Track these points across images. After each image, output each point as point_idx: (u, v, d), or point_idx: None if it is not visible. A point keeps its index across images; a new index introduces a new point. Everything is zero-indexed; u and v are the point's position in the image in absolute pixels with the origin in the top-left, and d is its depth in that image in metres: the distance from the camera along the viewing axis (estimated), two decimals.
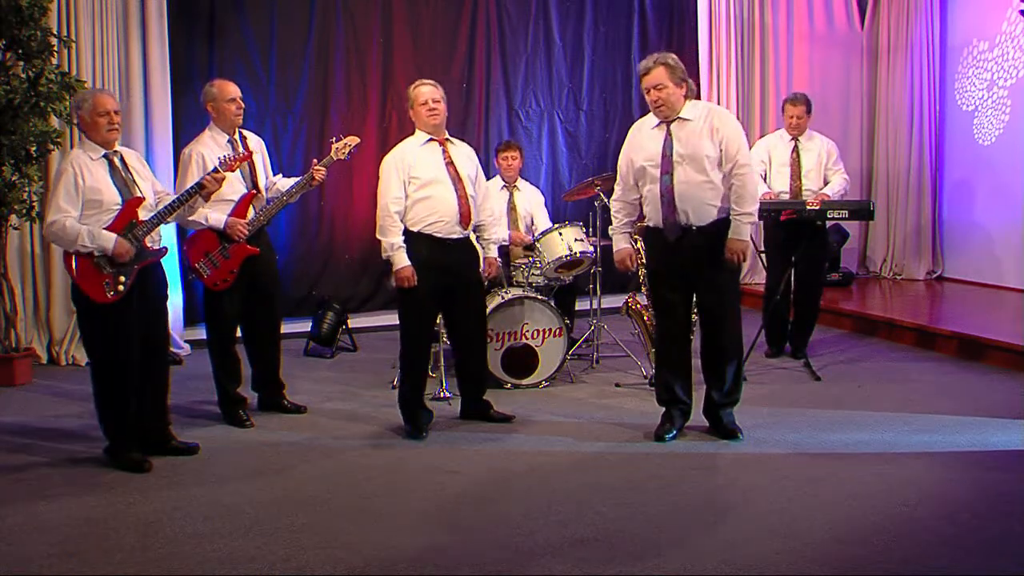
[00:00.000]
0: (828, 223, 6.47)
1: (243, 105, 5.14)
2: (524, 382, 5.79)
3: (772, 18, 8.85)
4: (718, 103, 8.48)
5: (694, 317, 5.00)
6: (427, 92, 4.90)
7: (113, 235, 4.25)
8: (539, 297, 5.83)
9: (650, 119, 4.77)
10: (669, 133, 4.62)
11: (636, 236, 5.56)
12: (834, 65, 9.22)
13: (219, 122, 5.08)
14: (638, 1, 8.53)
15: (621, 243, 4.93)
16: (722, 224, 4.61)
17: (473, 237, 5.11)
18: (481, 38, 8.02)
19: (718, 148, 4.56)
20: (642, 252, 5.45)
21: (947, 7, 9.11)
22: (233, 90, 5.08)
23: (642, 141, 4.73)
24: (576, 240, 5.97)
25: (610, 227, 5.00)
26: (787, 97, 6.70)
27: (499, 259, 5.39)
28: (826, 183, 6.46)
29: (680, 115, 4.62)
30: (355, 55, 7.63)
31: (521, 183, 6.71)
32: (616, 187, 4.91)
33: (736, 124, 4.70)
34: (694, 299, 4.84)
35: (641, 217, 4.91)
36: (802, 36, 9.05)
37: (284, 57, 7.43)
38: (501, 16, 8.08)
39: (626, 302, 5.97)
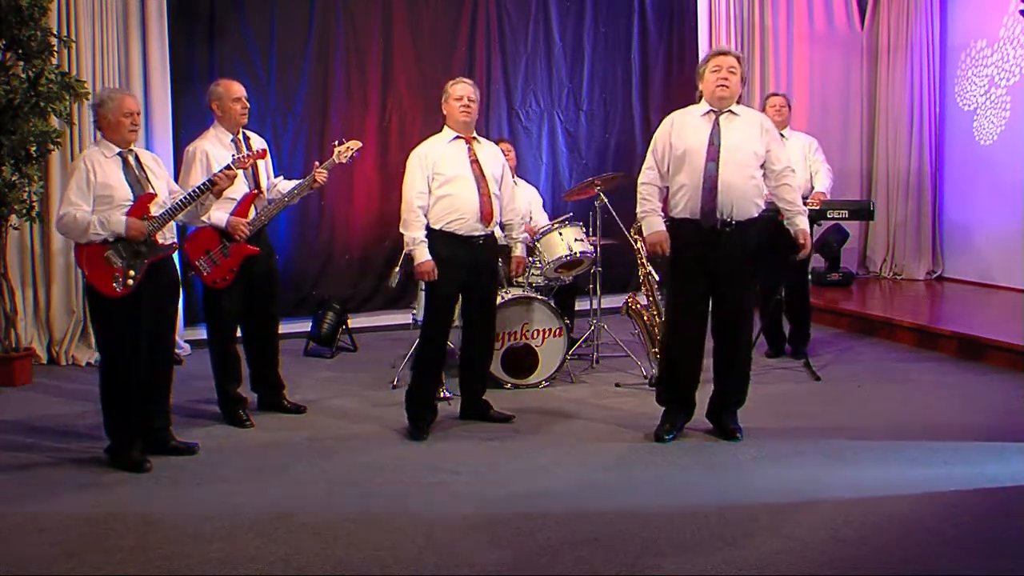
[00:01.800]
0: (827, 223, 6.48)
1: (248, 105, 5.16)
2: (524, 382, 5.79)
3: (772, 18, 8.84)
4: None
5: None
6: (463, 89, 4.94)
7: (123, 217, 4.29)
8: (539, 297, 5.83)
9: (696, 109, 4.74)
10: (717, 123, 4.62)
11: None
12: (834, 65, 9.21)
13: (223, 121, 5.09)
14: (638, 1, 8.53)
15: (656, 225, 4.73)
16: (756, 224, 4.62)
17: (500, 235, 5.11)
18: (481, 38, 8.01)
19: (764, 148, 4.62)
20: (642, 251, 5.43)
21: (947, 7, 9.12)
22: (238, 90, 5.11)
23: (687, 127, 4.68)
24: (576, 240, 5.96)
25: (638, 210, 4.83)
26: (767, 94, 6.79)
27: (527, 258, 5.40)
28: (812, 176, 6.49)
29: (731, 109, 4.64)
30: (355, 55, 7.63)
31: (518, 180, 6.70)
32: (646, 171, 4.80)
33: (779, 135, 4.88)
34: (708, 300, 4.77)
35: (664, 213, 4.87)
36: (802, 36, 9.05)
37: (284, 57, 7.42)
38: (501, 16, 8.08)
39: (626, 302, 5.97)
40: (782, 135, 6.48)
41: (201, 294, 7.27)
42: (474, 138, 5.02)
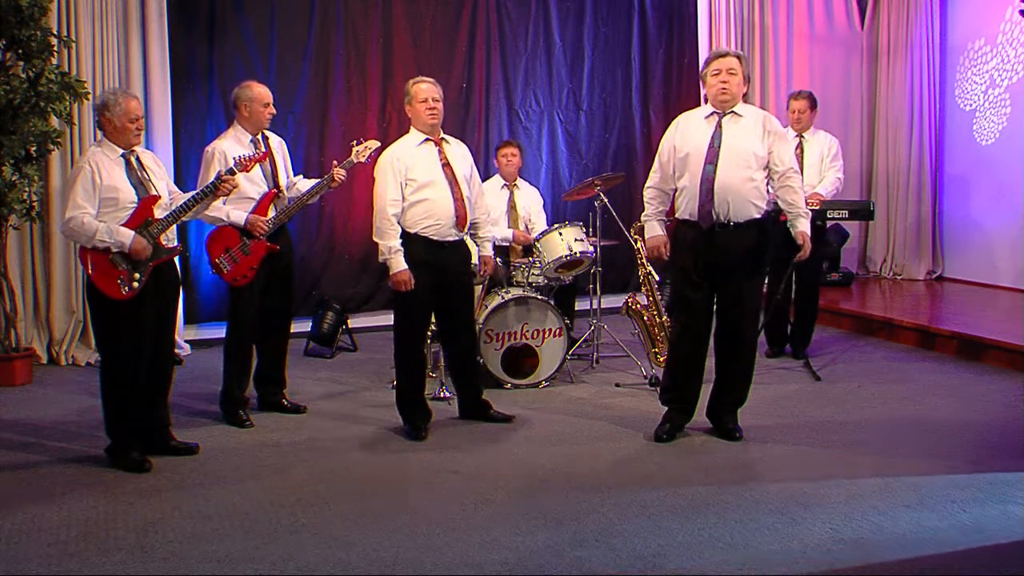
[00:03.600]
0: (828, 223, 6.48)
1: (275, 111, 5.19)
2: (524, 382, 5.79)
3: (772, 18, 8.85)
4: None
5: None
6: (427, 90, 4.87)
7: (131, 232, 4.31)
8: (539, 297, 5.83)
9: (699, 111, 4.79)
10: (719, 126, 4.63)
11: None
12: (834, 65, 9.21)
13: (247, 123, 5.11)
14: (638, 1, 8.53)
15: (655, 230, 4.86)
16: (757, 225, 4.62)
17: (467, 236, 5.11)
18: (481, 38, 8.01)
19: (766, 150, 4.61)
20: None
21: (947, 7, 9.12)
22: (268, 95, 5.15)
23: (690, 130, 4.71)
24: (576, 240, 5.96)
25: (642, 214, 4.93)
26: (791, 93, 6.73)
27: (495, 257, 5.39)
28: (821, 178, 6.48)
29: (734, 110, 4.64)
30: (355, 55, 7.63)
31: (521, 182, 6.72)
32: (653, 175, 4.86)
33: (785, 132, 4.85)
34: (714, 300, 4.78)
35: (671, 216, 4.88)
36: (802, 36, 9.05)
37: (284, 57, 7.43)
38: (501, 16, 8.08)
39: (626, 302, 5.97)
40: (802, 136, 6.49)
41: (203, 294, 7.29)
42: (443, 139, 4.98)
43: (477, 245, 5.20)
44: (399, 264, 4.77)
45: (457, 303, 5.03)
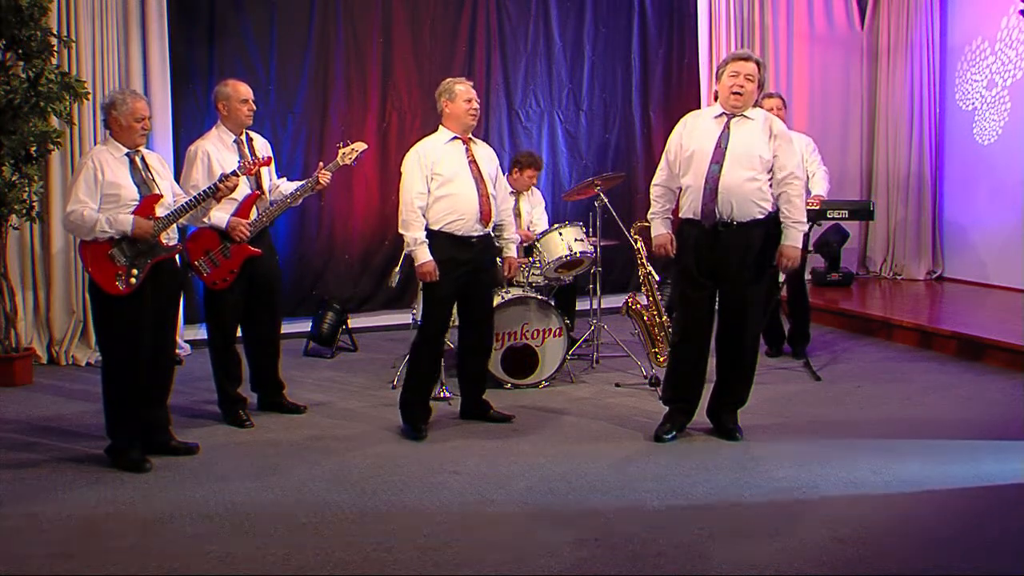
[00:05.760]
0: (827, 223, 6.48)
1: (255, 107, 5.16)
2: (524, 382, 5.79)
3: (772, 18, 8.84)
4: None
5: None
6: (469, 91, 4.95)
7: (131, 216, 4.32)
8: (539, 297, 5.83)
9: (709, 111, 4.81)
10: (727, 127, 4.63)
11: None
12: (834, 65, 9.21)
13: (228, 121, 5.09)
14: (638, 1, 8.53)
15: (660, 228, 4.88)
16: (761, 226, 4.61)
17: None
18: (481, 38, 8.01)
19: (771, 153, 4.61)
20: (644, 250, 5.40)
21: (947, 7, 9.11)
22: (246, 91, 5.11)
23: (698, 129, 4.72)
24: (576, 240, 5.96)
25: (648, 212, 4.95)
26: (761, 94, 6.72)
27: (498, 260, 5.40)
28: (808, 178, 6.48)
29: (744, 114, 4.64)
30: (355, 55, 7.63)
31: (533, 190, 6.74)
32: (660, 172, 4.88)
33: (791, 136, 4.84)
34: (716, 300, 4.77)
35: (674, 215, 4.88)
36: (802, 36, 9.05)
37: (284, 57, 7.42)
38: (501, 16, 8.08)
39: (626, 302, 5.97)
40: None
41: (202, 294, 7.29)
42: (470, 138, 5.02)
43: (501, 247, 5.23)
44: (424, 255, 4.82)
45: (479, 305, 5.07)
